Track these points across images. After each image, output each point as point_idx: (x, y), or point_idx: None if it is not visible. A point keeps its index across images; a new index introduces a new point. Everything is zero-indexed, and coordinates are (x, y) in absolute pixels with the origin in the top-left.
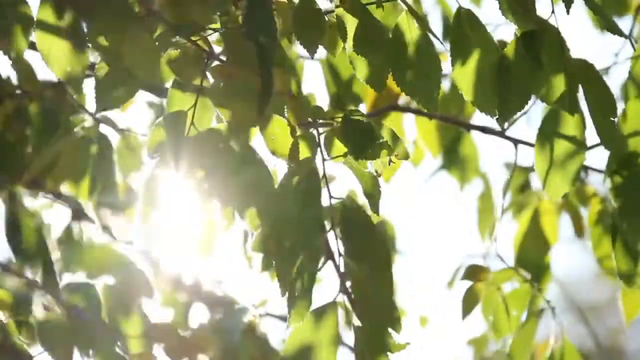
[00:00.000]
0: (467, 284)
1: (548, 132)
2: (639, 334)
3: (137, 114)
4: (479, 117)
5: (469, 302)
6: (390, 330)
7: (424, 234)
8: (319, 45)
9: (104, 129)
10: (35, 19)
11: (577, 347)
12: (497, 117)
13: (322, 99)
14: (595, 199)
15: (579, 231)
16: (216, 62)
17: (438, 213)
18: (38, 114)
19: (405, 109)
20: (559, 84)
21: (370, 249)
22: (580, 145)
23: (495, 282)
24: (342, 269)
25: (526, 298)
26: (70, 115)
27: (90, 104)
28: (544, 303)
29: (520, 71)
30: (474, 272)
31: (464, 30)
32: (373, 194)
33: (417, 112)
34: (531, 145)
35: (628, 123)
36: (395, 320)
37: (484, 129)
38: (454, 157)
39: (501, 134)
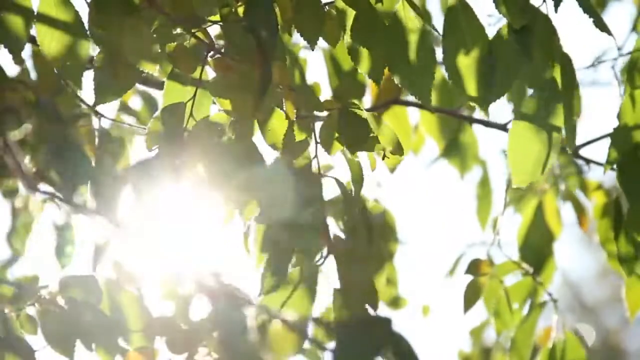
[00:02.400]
0: (470, 276)
1: (524, 119)
2: (639, 334)
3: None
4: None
5: (471, 296)
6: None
7: (425, 222)
8: (319, 37)
9: (102, 121)
10: (35, 11)
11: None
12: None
13: (327, 89)
14: (600, 191)
15: (582, 224)
16: (216, 55)
17: (439, 201)
18: (38, 107)
19: (408, 102)
20: (544, 71)
21: (355, 228)
22: (555, 134)
23: (497, 275)
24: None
25: (528, 290)
26: (70, 108)
27: (89, 96)
28: (546, 295)
29: (506, 57)
30: (476, 266)
31: (457, 19)
32: (357, 180)
33: (419, 105)
34: None
35: (627, 115)
36: (373, 297)
37: (486, 123)
38: (453, 146)
39: (503, 127)
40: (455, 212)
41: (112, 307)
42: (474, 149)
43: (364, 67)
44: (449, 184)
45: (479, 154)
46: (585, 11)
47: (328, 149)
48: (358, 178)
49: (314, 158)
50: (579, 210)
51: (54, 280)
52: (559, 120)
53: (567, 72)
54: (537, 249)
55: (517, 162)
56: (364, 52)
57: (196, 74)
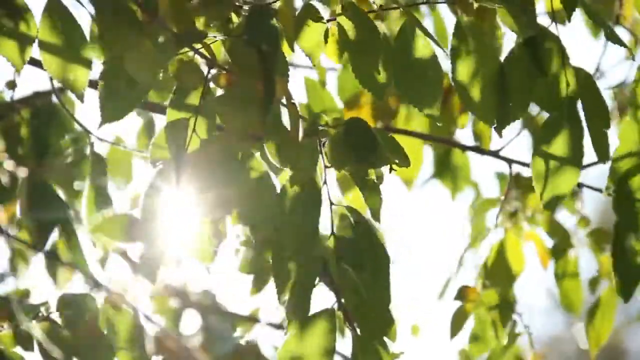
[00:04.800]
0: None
1: (545, 141)
2: (639, 334)
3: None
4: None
5: (458, 322)
6: (385, 339)
7: (416, 242)
8: (321, 53)
9: (96, 143)
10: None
11: (576, 347)
12: (495, 125)
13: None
14: (561, 230)
15: (543, 263)
16: (218, 70)
17: (430, 221)
18: (28, 132)
19: (398, 130)
20: (559, 91)
21: (370, 257)
22: (577, 155)
23: (483, 304)
24: (337, 278)
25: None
26: (62, 130)
27: (82, 115)
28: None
29: (520, 79)
30: (464, 293)
31: (466, 38)
32: (374, 202)
33: (408, 133)
34: (525, 164)
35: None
36: (390, 329)
37: (479, 150)
38: (445, 167)
39: (495, 153)
40: (447, 232)
41: (109, 325)
42: (466, 169)
43: (365, 83)
44: (443, 203)
45: (471, 174)
46: (595, 22)
47: (336, 166)
48: (375, 200)
49: (324, 185)
50: (540, 249)
51: (52, 298)
52: (579, 140)
53: (586, 86)
54: (498, 291)
55: (542, 186)
56: (366, 68)
57: (196, 100)
